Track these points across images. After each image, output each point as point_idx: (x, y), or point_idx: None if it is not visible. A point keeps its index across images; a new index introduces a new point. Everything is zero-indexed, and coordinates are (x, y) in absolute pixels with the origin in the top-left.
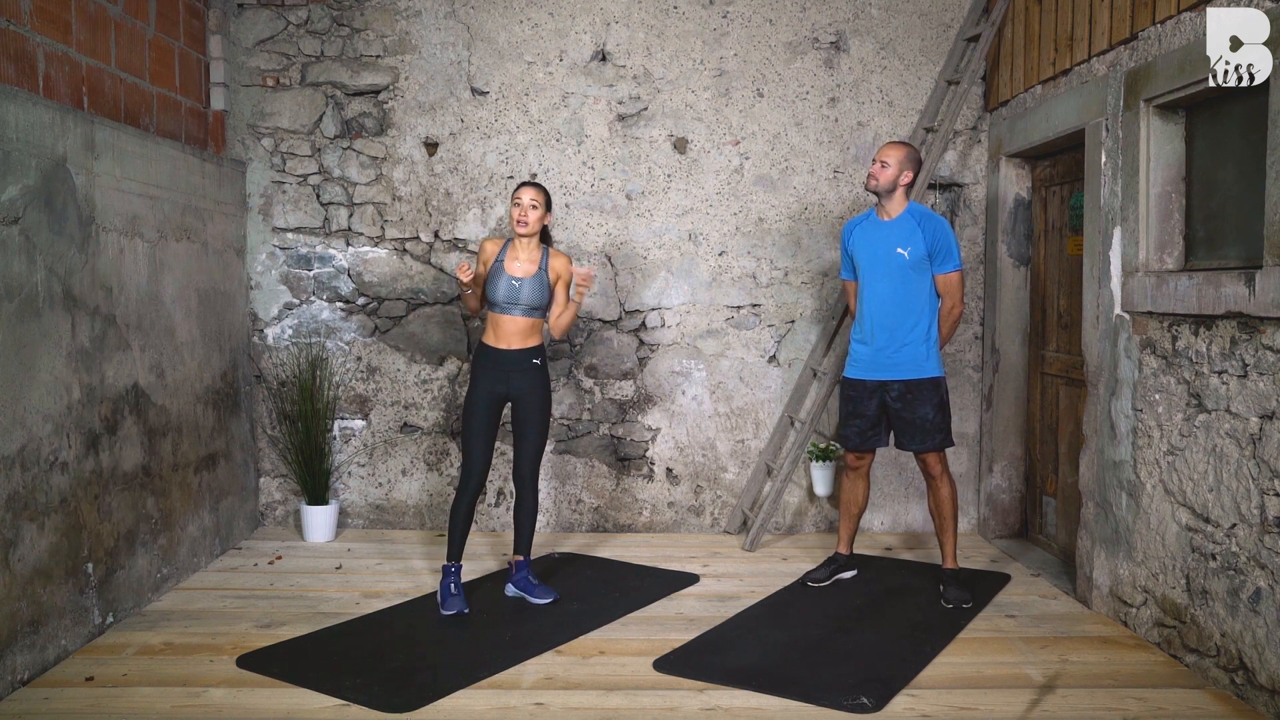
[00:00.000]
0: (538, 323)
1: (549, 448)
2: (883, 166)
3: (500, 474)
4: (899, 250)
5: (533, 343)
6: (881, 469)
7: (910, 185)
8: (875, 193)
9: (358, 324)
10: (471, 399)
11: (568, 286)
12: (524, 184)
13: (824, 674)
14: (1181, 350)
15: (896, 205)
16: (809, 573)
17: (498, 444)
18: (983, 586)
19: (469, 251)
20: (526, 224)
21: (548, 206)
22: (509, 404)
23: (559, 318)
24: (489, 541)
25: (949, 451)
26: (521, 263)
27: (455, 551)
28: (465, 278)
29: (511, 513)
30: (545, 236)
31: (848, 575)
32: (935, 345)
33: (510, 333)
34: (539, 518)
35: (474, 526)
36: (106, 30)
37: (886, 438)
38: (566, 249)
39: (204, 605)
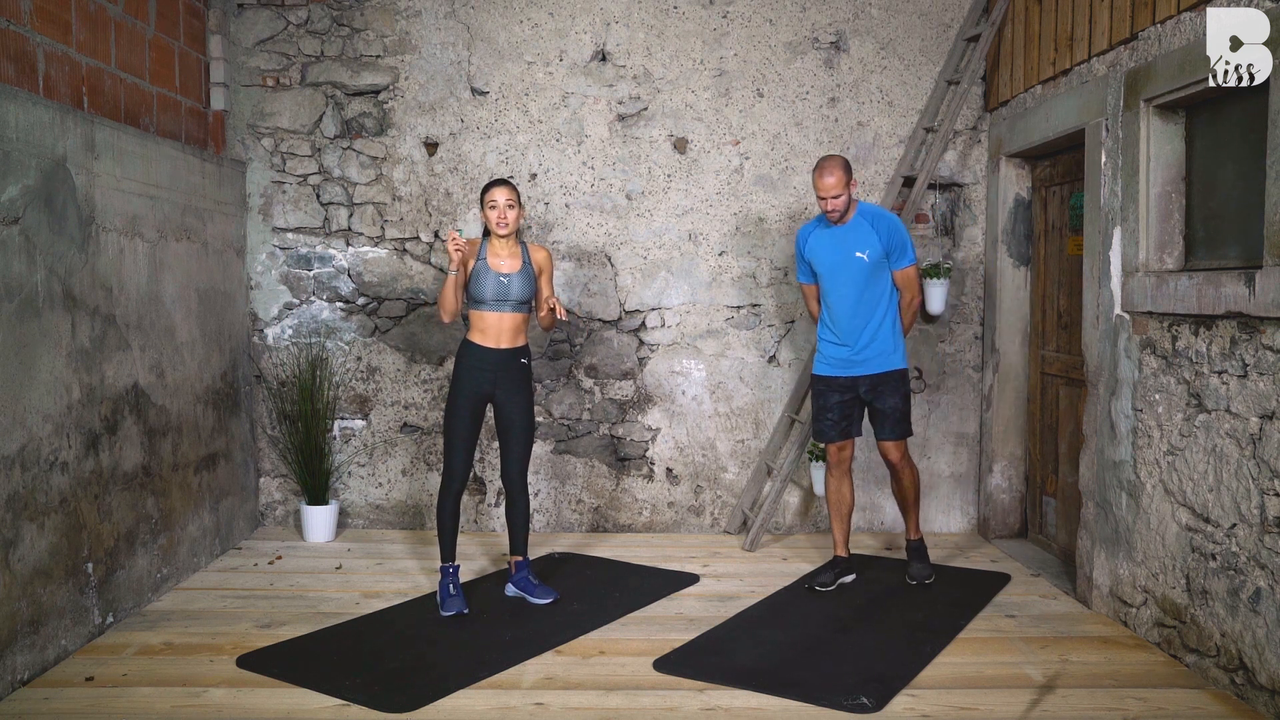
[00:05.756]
0: (525, 319)
1: (549, 447)
2: (835, 198)
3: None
4: (858, 254)
5: (521, 341)
6: (881, 469)
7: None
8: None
9: (358, 324)
10: (457, 399)
11: (550, 278)
12: (495, 184)
13: (824, 674)
14: (1181, 350)
15: (848, 210)
16: (814, 577)
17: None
18: (983, 586)
19: None
20: (507, 224)
21: (519, 202)
22: (489, 405)
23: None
24: (488, 542)
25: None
26: (505, 259)
27: (449, 552)
28: (454, 247)
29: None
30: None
31: (849, 579)
32: (900, 338)
33: (500, 330)
34: (539, 518)
35: (475, 527)
36: (106, 30)
37: (859, 427)
38: (568, 249)
39: (204, 605)
